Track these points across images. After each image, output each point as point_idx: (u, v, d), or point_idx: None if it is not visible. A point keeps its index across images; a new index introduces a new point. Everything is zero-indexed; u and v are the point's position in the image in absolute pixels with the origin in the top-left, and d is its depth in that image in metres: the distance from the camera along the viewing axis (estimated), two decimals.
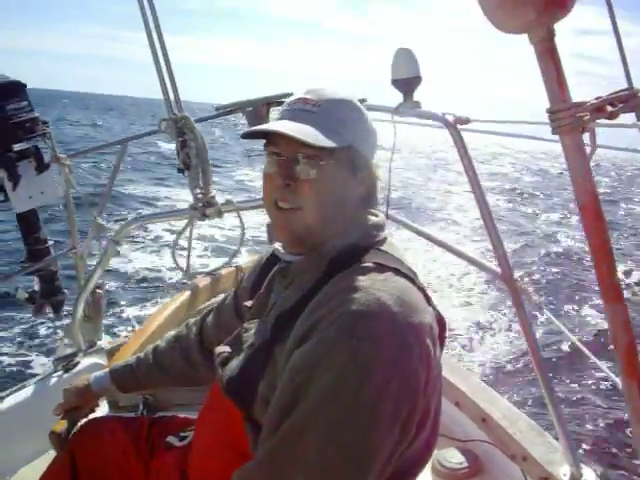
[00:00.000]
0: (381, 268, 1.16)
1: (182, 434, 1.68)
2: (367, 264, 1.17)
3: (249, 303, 1.49)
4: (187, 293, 3.09)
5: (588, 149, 0.96)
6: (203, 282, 3.23)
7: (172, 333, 1.87)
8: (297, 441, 1.04)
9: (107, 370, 1.85)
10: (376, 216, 1.33)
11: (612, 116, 0.93)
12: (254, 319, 1.41)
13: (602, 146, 1.06)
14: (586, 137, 0.97)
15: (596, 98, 0.94)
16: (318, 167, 1.21)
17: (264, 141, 1.30)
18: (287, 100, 1.32)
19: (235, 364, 1.31)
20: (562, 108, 0.91)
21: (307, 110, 1.24)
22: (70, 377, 2.81)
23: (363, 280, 1.12)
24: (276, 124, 1.24)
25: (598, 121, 0.95)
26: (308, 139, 1.17)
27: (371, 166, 1.31)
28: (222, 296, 1.80)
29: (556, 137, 0.97)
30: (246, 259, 3.85)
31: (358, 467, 1.02)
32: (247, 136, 1.29)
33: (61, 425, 1.74)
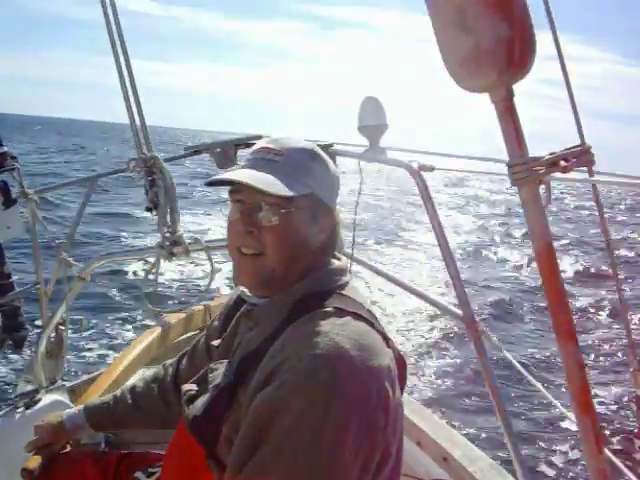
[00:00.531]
0: (341, 312, 1.21)
1: (150, 470, 1.68)
2: (327, 309, 1.21)
3: (216, 343, 1.52)
4: (157, 330, 3.09)
5: (544, 200, 1.02)
6: (173, 319, 3.22)
7: (150, 374, 1.86)
8: None
9: (81, 408, 1.84)
10: (339, 260, 1.38)
11: (565, 170, 1.00)
12: (221, 359, 1.44)
13: (563, 178, 1.13)
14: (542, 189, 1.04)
15: (551, 153, 1.02)
16: (280, 214, 1.25)
17: (229, 187, 1.34)
18: (252, 149, 1.37)
19: (200, 403, 1.34)
20: (519, 162, 0.98)
21: (269, 159, 1.29)
22: (31, 414, 2.77)
23: (323, 325, 1.16)
24: (240, 173, 1.28)
25: (553, 175, 1.03)
26: (269, 189, 1.22)
27: (332, 212, 1.36)
28: (192, 334, 1.83)
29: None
30: (217, 299, 3.86)
31: None
32: (212, 184, 1.33)
33: (34, 462, 1.72)
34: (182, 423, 1.43)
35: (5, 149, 2.71)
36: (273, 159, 1.29)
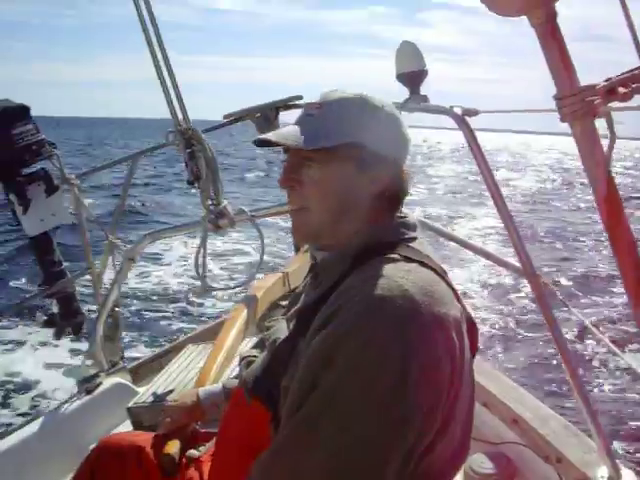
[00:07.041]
0: (407, 260, 1.14)
1: (202, 448, 1.67)
2: (392, 255, 1.15)
3: (284, 302, 1.49)
4: (244, 308, 3.01)
5: (606, 140, 0.88)
6: (255, 293, 3.15)
7: None
8: (312, 428, 1.02)
9: (219, 386, 1.78)
10: (406, 217, 1.30)
11: (625, 98, 0.86)
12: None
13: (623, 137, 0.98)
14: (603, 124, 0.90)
15: (606, 80, 0.87)
16: (318, 168, 1.22)
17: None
18: None
19: (258, 364, 1.33)
20: (570, 93, 0.84)
21: (309, 114, 1.26)
22: (94, 399, 2.79)
23: (386, 269, 1.10)
24: (271, 132, 1.27)
25: (611, 104, 0.88)
26: (287, 142, 1.22)
27: (388, 162, 1.25)
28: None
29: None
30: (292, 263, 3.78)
31: (374, 458, 0.99)
32: (257, 144, 1.31)
33: (173, 446, 1.66)
34: (237, 394, 1.40)
35: (42, 136, 2.68)
36: (311, 113, 1.26)
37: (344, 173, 1.22)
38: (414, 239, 1.25)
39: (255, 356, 1.41)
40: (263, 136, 1.26)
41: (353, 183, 1.23)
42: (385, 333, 1.00)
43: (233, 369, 2.59)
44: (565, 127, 0.93)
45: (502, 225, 1.85)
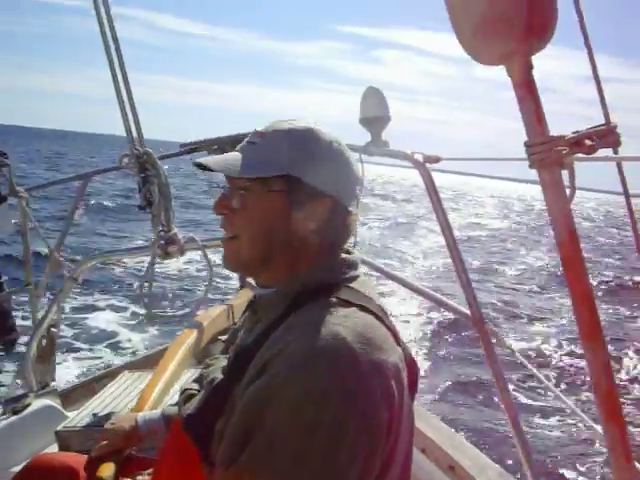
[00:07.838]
0: (345, 304, 1.12)
1: (139, 477, 1.62)
2: (331, 299, 1.13)
3: (224, 337, 1.47)
4: (186, 338, 2.96)
5: (568, 190, 0.92)
6: (199, 323, 3.11)
7: None
8: (249, 478, 0.99)
9: (158, 412, 1.73)
10: (348, 254, 1.28)
11: (590, 150, 0.91)
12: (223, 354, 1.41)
13: (583, 188, 1.03)
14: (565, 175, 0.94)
15: (574, 132, 0.92)
16: (251, 197, 1.19)
17: None
18: None
19: (196, 401, 1.29)
20: (540, 141, 0.88)
21: (251, 142, 1.23)
22: (20, 419, 2.69)
23: (323, 315, 1.08)
24: (209, 157, 1.25)
25: (576, 156, 0.93)
26: (218, 167, 1.19)
27: (326, 199, 1.21)
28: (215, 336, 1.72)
29: (533, 176, 0.94)
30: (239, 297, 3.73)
31: None
32: (197, 167, 1.28)
33: (107, 469, 1.61)
34: (174, 428, 1.38)
35: None
36: (253, 141, 1.22)
37: (276, 205, 1.19)
38: (355, 278, 1.23)
39: (197, 390, 1.38)
40: (199, 160, 1.23)
41: (286, 217, 1.19)
42: (322, 383, 0.99)
43: (172, 397, 2.54)
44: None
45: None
